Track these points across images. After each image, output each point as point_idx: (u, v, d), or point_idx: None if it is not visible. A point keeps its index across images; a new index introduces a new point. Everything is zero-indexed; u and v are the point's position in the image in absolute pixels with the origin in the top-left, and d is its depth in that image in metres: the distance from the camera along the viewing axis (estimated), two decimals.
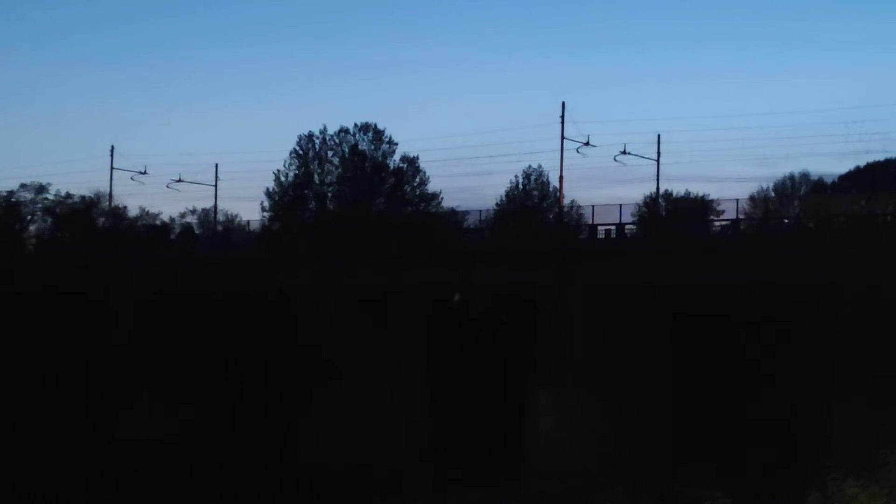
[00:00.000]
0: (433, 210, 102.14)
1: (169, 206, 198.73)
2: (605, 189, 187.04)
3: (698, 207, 79.16)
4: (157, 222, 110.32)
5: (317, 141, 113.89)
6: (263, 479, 61.48)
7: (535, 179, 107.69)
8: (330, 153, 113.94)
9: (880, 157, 69.43)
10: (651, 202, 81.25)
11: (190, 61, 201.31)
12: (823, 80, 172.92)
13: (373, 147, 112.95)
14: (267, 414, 67.95)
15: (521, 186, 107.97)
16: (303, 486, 60.12)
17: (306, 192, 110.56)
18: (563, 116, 73.68)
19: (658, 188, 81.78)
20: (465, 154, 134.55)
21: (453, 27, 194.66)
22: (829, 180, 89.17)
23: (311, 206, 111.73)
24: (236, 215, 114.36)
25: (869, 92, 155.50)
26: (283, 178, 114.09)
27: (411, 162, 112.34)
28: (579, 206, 79.42)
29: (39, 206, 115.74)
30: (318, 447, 62.82)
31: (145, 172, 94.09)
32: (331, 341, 68.34)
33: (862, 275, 53.88)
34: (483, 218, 76.61)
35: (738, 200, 65.08)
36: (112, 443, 67.00)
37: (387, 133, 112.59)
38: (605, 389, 58.86)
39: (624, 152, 76.83)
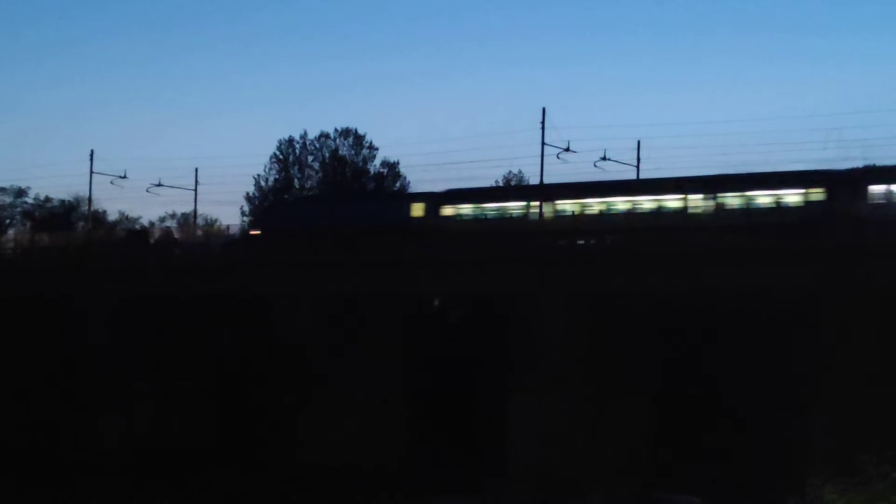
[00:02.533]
0: None
1: (149, 210, 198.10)
2: None
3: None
4: (137, 226, 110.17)
5: (297, 146, 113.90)
6: (239, 487, 61.16)
7: (516, 185, 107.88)
8: (310, 158, 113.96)
9: (859, 163, 69.35)
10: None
11: (171, 68, 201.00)
12: (804, 87, 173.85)
13: (353, 152, 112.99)
14: (244, 420, 67.73)
15: None
16: (279, 493, 59.89)
17: (286, 196, 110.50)
18: (543, 122, 73.55)
19: None
20: (446, 159, 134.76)
21: (435, 34, 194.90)
22: None
23: None
24: (216, 220, 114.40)
25: (848, 99, 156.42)
26: (263, 183, 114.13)
27: (392, 167, 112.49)
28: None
29: (18, 209, 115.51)
30: (295, 454, 62.67)
31: (125, 177, 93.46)
32: (309, 347, 68.11)
33: (843, 280, 54.10)
34: None
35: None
36: (91, 449, 66.66)
37: (367, 138, 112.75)
38: (585, 394, 58.86)
39: (604, 158, 76.77)
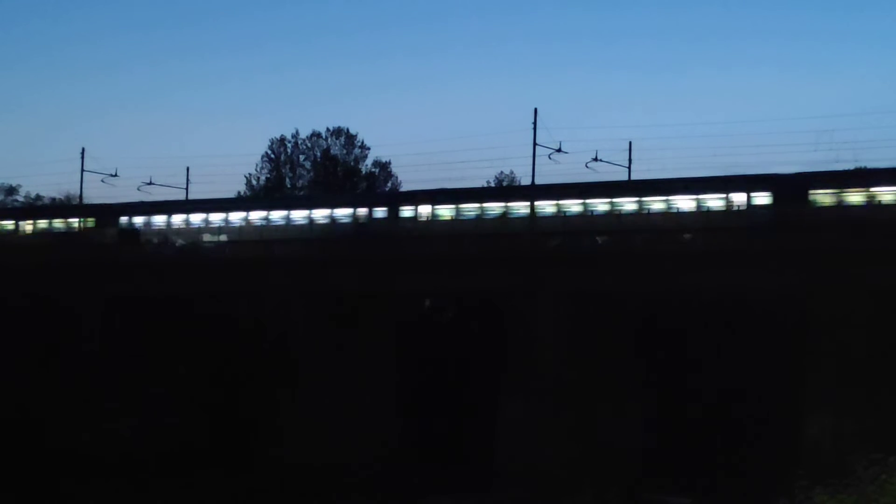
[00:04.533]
0: None
1: None
2: None
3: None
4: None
5: (289, 145, 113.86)
6: (231, 487, 61.06)
7: (508, 185, 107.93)
8: (302, 157, 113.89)
9: (850, 165, 69.95)
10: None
11: (162, 68, 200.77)
12: (796, 90, 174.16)
13: (345, 151, 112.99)
14: (236, 420, 67.64)
15: None
16: (272, 492, 59.85)
17: (277, 196, 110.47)
18: (535, 123, 73.67)
19: None
20: (438, 159, 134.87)
21: (427, 35, 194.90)
22: None
23: None
24: None
25: (839, 101, 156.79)
26: (254, 182, 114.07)
27: (383, 167, 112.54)
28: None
29: (9, 207, 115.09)
30: (288, 454, 62.61)
31: (116, 175, 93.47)
32: (301, 347, 68.12)
33: (831, 282, 54.32)
34: None
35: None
36: (80, 449, 66.47)
37: (359, 138, 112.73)
38: (576, 396, 58.92)
39: (595, 159, 76.85)
